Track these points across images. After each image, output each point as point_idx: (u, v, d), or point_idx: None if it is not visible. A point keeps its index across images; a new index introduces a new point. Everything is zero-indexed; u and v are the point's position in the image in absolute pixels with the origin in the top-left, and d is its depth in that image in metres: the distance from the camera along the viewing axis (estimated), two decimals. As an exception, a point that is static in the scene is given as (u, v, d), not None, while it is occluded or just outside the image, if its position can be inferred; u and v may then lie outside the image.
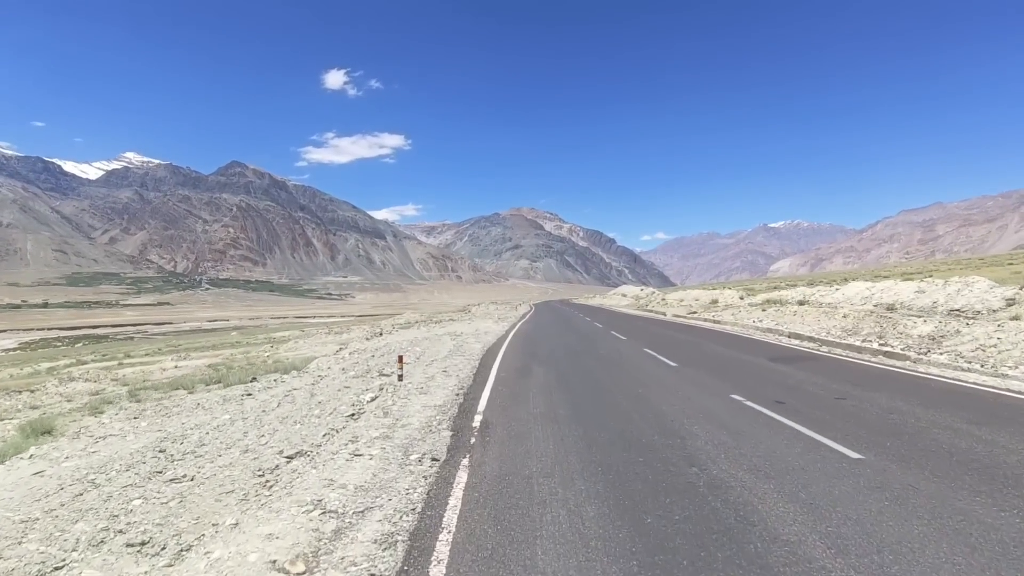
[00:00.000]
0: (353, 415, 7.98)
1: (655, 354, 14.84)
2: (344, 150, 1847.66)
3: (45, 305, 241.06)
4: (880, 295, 23.22)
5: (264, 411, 9.08)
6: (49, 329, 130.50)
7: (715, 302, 40.36)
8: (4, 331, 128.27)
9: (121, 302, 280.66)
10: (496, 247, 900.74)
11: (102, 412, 11.27)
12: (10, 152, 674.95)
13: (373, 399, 9.04)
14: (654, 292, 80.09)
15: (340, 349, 21.48)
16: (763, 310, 26.08)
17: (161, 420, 9.86)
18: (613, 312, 48.75)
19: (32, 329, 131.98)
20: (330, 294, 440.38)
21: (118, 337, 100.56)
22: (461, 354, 15.43)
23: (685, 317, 31.50)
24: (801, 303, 25.52)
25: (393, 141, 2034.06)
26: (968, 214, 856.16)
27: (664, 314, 37.53)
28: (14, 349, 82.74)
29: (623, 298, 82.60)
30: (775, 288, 49.89)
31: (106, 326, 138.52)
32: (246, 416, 8.82)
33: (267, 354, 26.16)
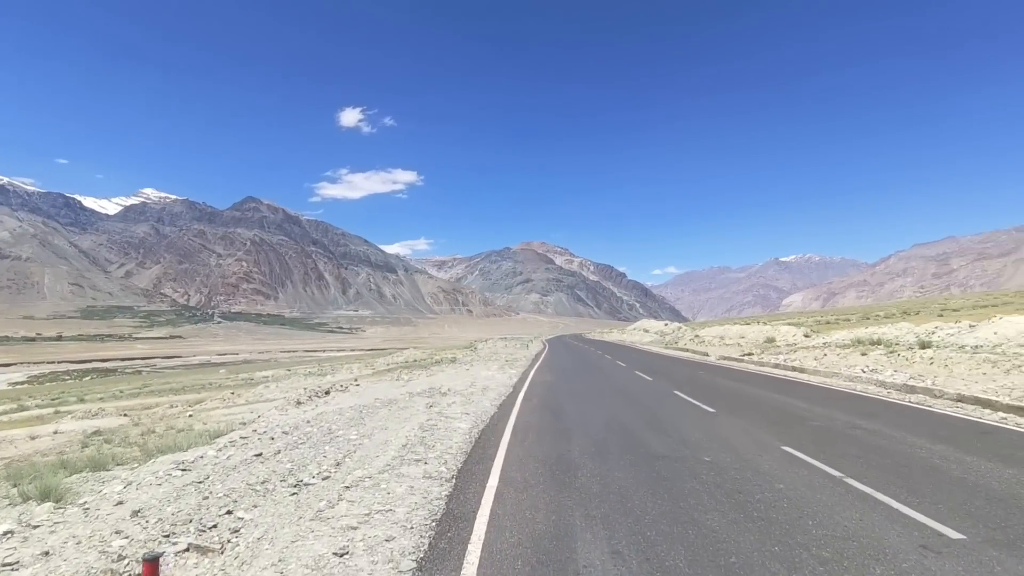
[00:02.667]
0: None
1: (817, 463, 7.08)
2: (357, 186, 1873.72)
3: (59, 338, 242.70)
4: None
5: None
6: (59, 362, 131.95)
7: (771, 340, 34.13)
8: (14, 364, 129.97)
9: (134, 335, 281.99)
10: (506, 281, 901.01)
11: None
12: (32, 188, 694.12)
13: None
14: (680, 327, 76.67)
15: (296, 403, 14.88)
16: (863, 354, 19.96)
17: None
18: (645, 352, 40.90)
19: (42, 362, 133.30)
20: (341, 328, 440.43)
21: (127, 371, 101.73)
22: (424, 453, 8.09)
23: (739, 360, 25.89)
24: (924, 346, 19.56)
25: (406, 177, 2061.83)
26: (982, 248, 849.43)
27: (707, 355, 31.74)
28: (23, 382, 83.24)
29: (645, 334, 78.28)
30: (844, 320, 42.11)
31: (116, 359, 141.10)
32: None
33: (189, 414, 20.99)
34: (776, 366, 21.88)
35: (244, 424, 12.92)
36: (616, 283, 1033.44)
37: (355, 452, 8.31)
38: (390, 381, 20.03)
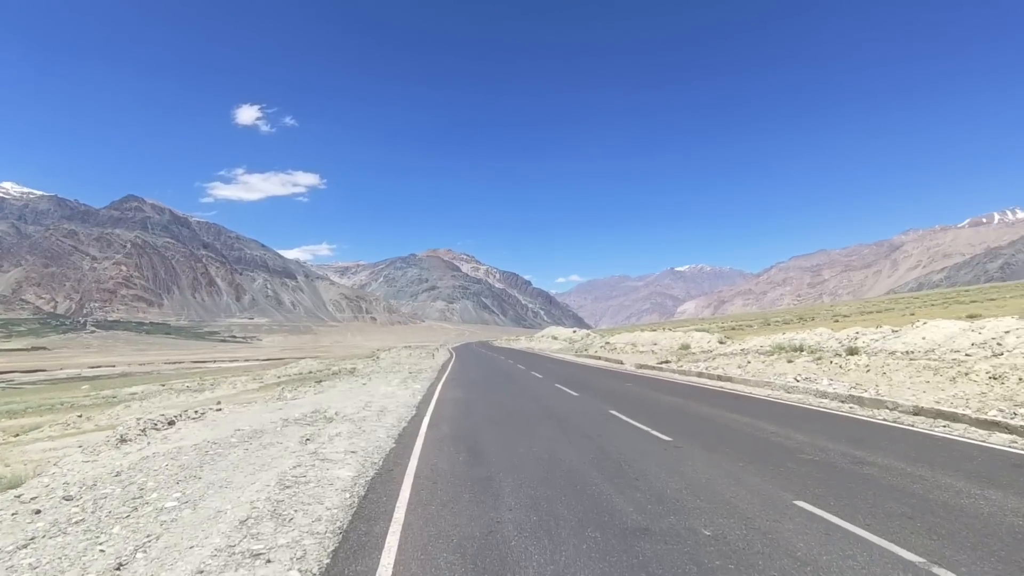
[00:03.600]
0: None
1: (868, 535, 4.83)
2: (255, 187, 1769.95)
3: None
4: (998, 339, 15.86)
5: None
6: None
7: (686, 347, 32.86)
8: None
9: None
10: (412, 288, 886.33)
11: None
12: None
13: None
14: (588, 334, 75.84)
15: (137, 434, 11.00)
16: (788, 361, 18.87)
17: None
18: (558, 361, 38.82)
19: None
20: (234, 337, 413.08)
21: None
22: (272, 536, 5.04)
23: (658, 368, 24.20)
24: (851, 352, 18.29)
25: (308, 179, 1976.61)
26: (848, 260, 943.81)
27: (622, 362, 30.36)
28: None
29: (553, 340, 75.64)
30: (746, 327, 41.95)
31: None
32: None
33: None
34: (700, 375, 20.40)
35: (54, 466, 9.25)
36: (521, 291, 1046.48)
37: (159, 538, 5.16)
38: (264, 402, 16.41)
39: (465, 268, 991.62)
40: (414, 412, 13.36)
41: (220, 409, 13.98)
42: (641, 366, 27.15)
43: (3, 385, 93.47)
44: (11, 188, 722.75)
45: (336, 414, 12.48)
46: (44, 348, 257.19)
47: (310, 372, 44.09)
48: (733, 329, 44.73)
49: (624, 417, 11.38)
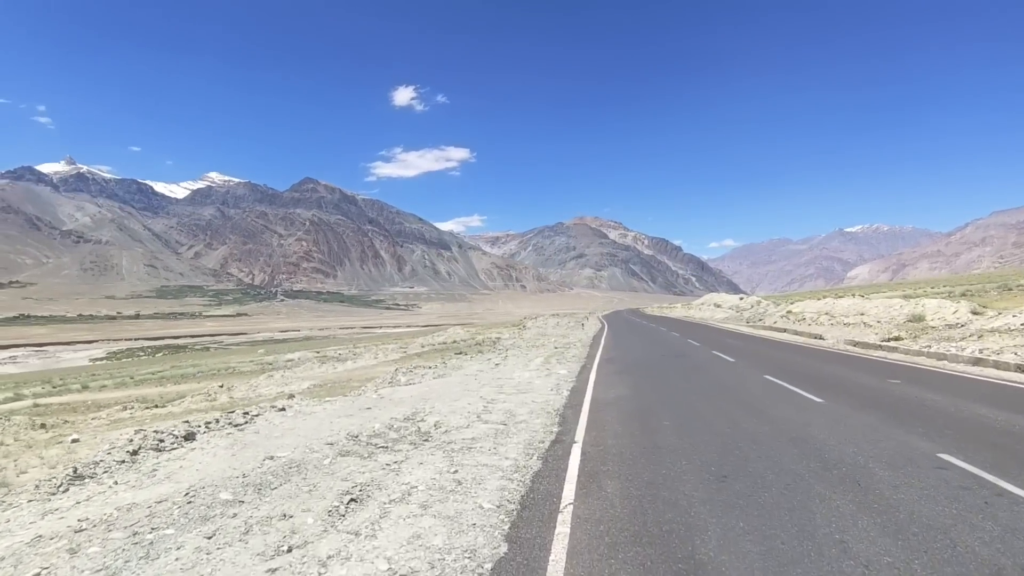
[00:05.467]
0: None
1: None
2: (411, 164, 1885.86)
3: (137, 316, 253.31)
4: None
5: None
6: (136, 339, 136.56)
7: (919, 319, 24.76)
8: (97, 341, 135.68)
9: (203, 313, 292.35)
10: (560, 256, 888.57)
11: None
12: (109, 175, 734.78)
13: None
14: (760, 301, 67.06)
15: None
16: None
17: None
18: (735, 334, 31.67)
19: (120, 339, 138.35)
20: (397, 304, 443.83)
21: (196, 347, 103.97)
22: None
23: (889, 348, 17.92)
24: None
25: (459, 154, 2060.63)
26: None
27: (822, 338, 23.83)
28: (102, 358, 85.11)
29: (716, 308, 67.87)
30: (978, 291, 30.65)
31: (187, 336, 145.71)
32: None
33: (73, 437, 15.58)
34: (976, 362, 13.94)
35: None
36: (671, 257, 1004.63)
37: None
38: (354, 396, 12.65)
39: (613, 235, 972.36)
40: (556, 428, 8.52)
41: (283, 409, 10.51)
42: (856, 343, 20.46)
43: (216, 345, 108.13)
44: (216, 177, 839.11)
45: (436, 426, 8.42)
46: (246, 314, 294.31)
47: (454, 341, 42.82)
48: (965, 295, 34.79)
49: (963, 463, 5.90)
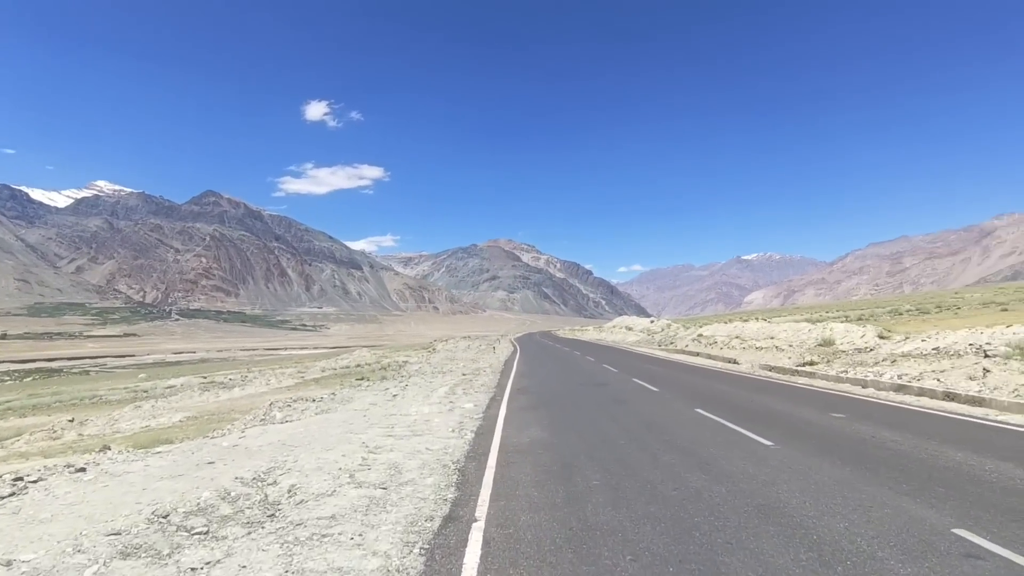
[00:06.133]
0: None
1: None
2: (323, 181, 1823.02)
3: (3, 336, 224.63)
4: None
5: None
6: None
7: (828, 343, 24.61)
8: None
9: (85, 333, 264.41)
10: (473, 278, 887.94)
11: None
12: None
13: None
14: (670, 324, 67.65)
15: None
16: None
17: None
18: (652, 359, 30.49)
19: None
20: (304, 325, 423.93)
21: (73, 371, 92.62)
22: None
23: (807, 375, 17.47)
24: None
25: (373, 172, 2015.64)
26: (932, 247, 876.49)
27: (736, 362, 23.65)
28: None
29: (628, 331, 68.66)
30: (894, 316, 31.64)
31: (63, 359, 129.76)
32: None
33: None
34: (899, 388, 13.51)
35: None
36: (582, 280, 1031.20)
37: None
38: (201, 442, 10.00)
39: (526, 258, 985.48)
40: (452, 492, 6.63)
41: (83, 469, 7.69)
42: (772, 368, 20.26)
43: (97, 369, 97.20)
44: (105, 186, 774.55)
45: (290, 492, 6.33)
46: (135, 335, 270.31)
47: (358, 365, 40.16)
48: (860, 319, 36.39)
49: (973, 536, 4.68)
